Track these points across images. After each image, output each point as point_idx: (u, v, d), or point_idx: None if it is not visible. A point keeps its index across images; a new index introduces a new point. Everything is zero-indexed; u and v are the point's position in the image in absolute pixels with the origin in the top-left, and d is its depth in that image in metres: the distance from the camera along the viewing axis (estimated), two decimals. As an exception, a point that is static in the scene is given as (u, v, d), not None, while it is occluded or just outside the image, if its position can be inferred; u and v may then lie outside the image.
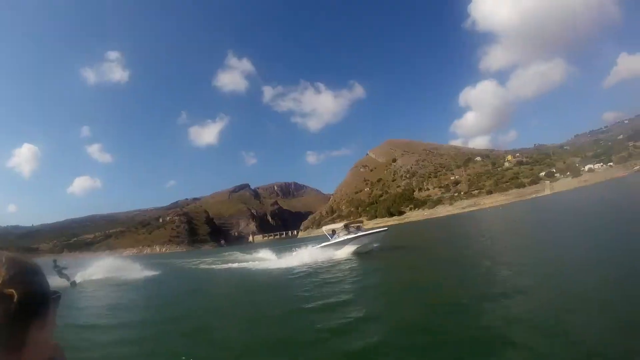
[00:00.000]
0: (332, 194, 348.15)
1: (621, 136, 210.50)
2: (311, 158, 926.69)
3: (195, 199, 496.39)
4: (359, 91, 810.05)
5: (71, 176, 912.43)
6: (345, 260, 27.05)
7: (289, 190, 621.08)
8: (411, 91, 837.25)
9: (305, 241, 41.47)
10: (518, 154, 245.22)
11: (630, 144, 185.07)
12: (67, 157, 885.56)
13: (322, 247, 31.52)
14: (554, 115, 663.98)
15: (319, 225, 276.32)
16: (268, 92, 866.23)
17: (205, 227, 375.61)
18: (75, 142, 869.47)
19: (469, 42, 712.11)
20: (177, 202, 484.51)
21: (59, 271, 28.48)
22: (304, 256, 30.31)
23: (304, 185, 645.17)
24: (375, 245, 30.71)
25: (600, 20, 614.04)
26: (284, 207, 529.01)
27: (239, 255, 46.12)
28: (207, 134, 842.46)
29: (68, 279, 28.41)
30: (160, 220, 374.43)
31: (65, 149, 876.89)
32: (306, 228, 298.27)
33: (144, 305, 16.90)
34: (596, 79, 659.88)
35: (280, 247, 40.23)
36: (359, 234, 30.75)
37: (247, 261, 36.24)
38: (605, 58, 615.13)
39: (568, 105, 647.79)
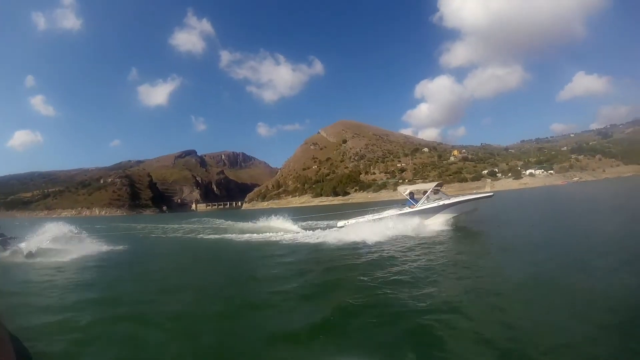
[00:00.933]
0: (280, 169, 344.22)
1: (565, 148, 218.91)
2: (262, 130, 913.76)
3: (139, 162, 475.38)
4: (318, 68, 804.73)
5: (12, 129, 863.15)
6: (439, 234, 19.50)
7: (236, 160, 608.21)
8: (370, 75, 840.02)
9: (275, 213, 30.69)
10: (464, 150, 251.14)
11: (573, 156, 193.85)
12: (8, 107, 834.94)
13: (400, 214, 22.96)
14: (504, 118, 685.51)
15: (264, 198, 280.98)
16: (225, 57, 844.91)
17: (147, 192, 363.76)
18: (18, 92, 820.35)
19: (434, 36, 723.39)
20: (120, 163, 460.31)
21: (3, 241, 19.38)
22: (364, 228, 20.87)
23: (252, 157, 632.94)
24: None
25: (565, 37, 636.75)
26: (230, 177, 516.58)
27: (241, 224, 33.94)
28: (157, 94, 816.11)
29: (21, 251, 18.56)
30: (102, 181, 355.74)
31: (7, 99, 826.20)
32: (251, 200, 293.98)
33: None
34: (551, 91, 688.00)
35: (289, 215, 29.85)
36: (460, 199, 23.07)
37: (264, 231, 25.83)
38: (562, 73, 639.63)
39: (519, 111, 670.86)
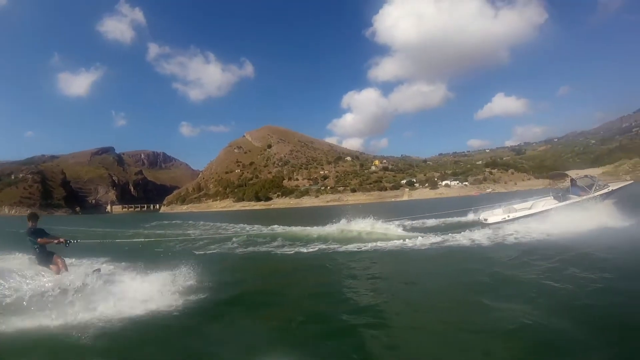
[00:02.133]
0: (202, 171, 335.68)
1: (480, 162, 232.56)
2: (186, 129, 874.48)
3: (53, 157, 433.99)
4: (248, 70, 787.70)
5: None
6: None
7: (156, 160, 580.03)
8: (299, 82, 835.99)
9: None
10: (385, 161, 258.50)
11: (487, 169, 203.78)
12: None
13: (569, 204, 20.92)
14: (425, 132, 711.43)
15: (183, 201, 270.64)
16: (154, 50, 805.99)
17: (60, 191, 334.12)
18: None
19: (365, 49, 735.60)
20: (33, 157, 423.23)
21: None
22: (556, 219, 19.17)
23: (173, 158, 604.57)
24: None
25: (489, 61, 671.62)
26: (149, 178, 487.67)
27: (307, 229, 24.99)
28: (79, 83, 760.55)
29: None
30: (12, 176, 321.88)
31: None
32: (170, 203, 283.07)
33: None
34: (471, 109, 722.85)
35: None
36: (621, 185, 22.56)
37: (352, 237, 21.18)
38: (483, 93, 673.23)
39: (440, 126, 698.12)
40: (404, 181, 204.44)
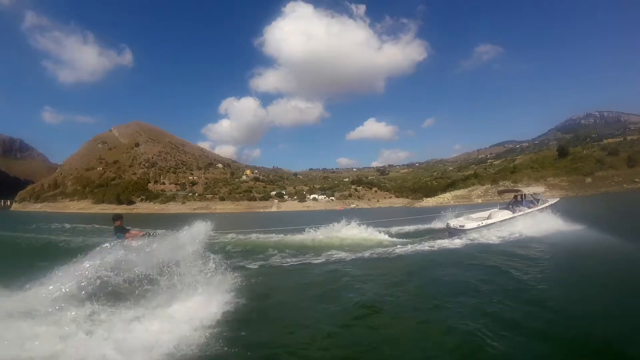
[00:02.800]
0: (60, 165, 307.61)
1: (347, 179, 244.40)
2: (48, 116, 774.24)
3: None
4: (127, 58, 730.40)
5: None
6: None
7: (12, 148, 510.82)
8: (178, 80, 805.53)
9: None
10: (257, 171, 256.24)
11: (353, 186, 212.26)
12: None
13: (530, 213, 25.07)
14: (298, 147, 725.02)
15: (37, 198, 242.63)
16: (31, 18, 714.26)
17: None
18: None
19: (251, 58, 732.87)
20: None
21: None
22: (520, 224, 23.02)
23: (31, 147, 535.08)
24: None
25: (366, 88, 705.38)
26: (2, 168, 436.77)
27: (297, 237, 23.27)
28: None
29: None
30: None
31: None
32: (22, 200, 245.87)
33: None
34: (343, 129, 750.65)
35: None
36: (552, 202, 27.87)
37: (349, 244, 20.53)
38: (356, 117, 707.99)
39: (313, 143, 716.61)
40: (273, 192, 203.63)
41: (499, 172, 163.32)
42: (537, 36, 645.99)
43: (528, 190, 28.41)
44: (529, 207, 25.68)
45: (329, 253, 17.23)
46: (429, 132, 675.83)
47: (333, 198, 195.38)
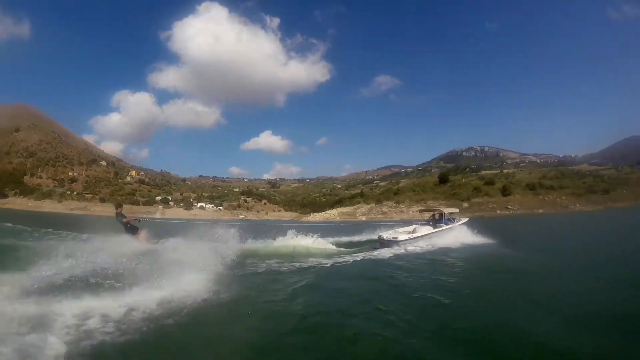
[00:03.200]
0: None
1: (237, 189, 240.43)
2: None
3: None
4: (25, 29, 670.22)
5: None
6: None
7: None
8: (72, 62, 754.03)
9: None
10: (143, 173, 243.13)
11: (243, 197, 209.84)
12: None
13: (450, 229, 29.39)
14: (190, 152, 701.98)
15: None
16: None
17: None
18: None
19: (155, 51, 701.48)
20: None
21: None
22: (447, 238, 27.09)
23: None
24: None
25: (266, 100, 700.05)
26: None
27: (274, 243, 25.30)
28: None
29: None
30: None
31: None
32: None
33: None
34: (238, 138, 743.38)
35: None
36: (462, 221, 31.87)
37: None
38: (253, 127, 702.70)
39: (206, 149, 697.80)
40: (159, 197, 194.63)
41: (384, 193, 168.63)
42: (430, 74, 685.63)
43: (446, 210, 32.94)
44: (447, 224, 29.65)
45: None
46: (322, 149, 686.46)
47: (221, 207, 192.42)
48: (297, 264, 16.90)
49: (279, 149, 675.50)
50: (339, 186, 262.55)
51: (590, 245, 29.02)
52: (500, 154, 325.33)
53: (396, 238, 25.62)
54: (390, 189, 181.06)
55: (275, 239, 24.84)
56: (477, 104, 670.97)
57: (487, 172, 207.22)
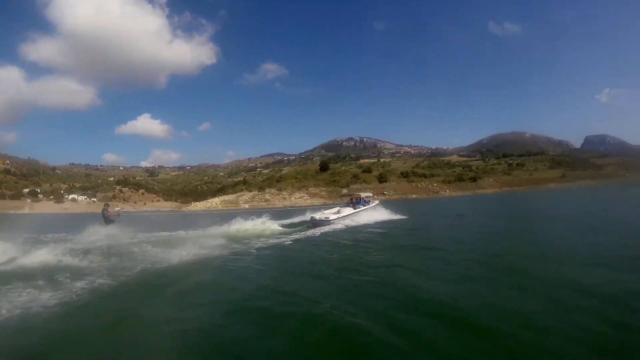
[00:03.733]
0: None
1: (112, 178, 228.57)
2: None
3: None
4: None
5: None
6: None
7: None
8: None
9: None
10: (8, 162, 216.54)
11: (118, 187, 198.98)
12: None
13: (369, 208, 36.90)
14: (61, 136, 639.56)
15: None
16: None
17: None
18: None
19: (27, 19, 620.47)
20: None
21: None
22: (364, 216, 33.75)
23: None
24: None
25: (146, 81, 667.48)
26: None
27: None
28: None
29: None
30: None
31: None
32: None
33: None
34: (114, 121, 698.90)
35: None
36: (374, 203, 39.31)
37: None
38: (131, 109, 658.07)
39: (79, 133, 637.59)
40: (26, 190, 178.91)
41: (266, 181, 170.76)
42: (316, 66, 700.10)
43: (363, 194, 40.43)
44: (364, 206, 36.52)
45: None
46: (204, 135, 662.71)
47: (95, 199, 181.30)
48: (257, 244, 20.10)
49: (159, 133, 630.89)
50: (221, 174, 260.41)
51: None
52: (378, 145, 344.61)
53: (328, 218, 30.71)
54: (273, 176, 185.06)
55: (228, 224, 28.51)
56: (357, 98, 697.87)
57: (366, 161, 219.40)
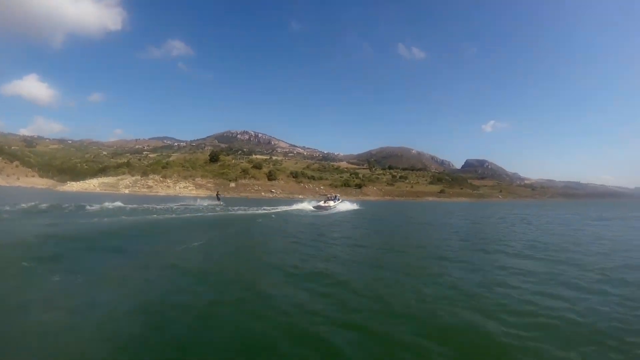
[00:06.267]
0: None
1: None
2: None
3: None
4: None
5: None
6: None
7: None
8: None
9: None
10: None
11: None
12: None
13: (341, 202, 56.21)
14: None
15: None
16: None
17: None
18: None
19: None
20: None
21: None
22: (342, 206, 53.13)
23: None
24: None
25: (42, 36, 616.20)
26: None
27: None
28: None
29: None
30: None
31: None
32: None
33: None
34: None
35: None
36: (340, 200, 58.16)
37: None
38: (18, 67, 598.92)
39: None
40: None
41: (151, 165, 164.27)
42: (222, 51, 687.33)
43: (336, 193, 65.29)
44: (338, 200, 55.71)
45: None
46: (93, 107, 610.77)
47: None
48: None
49: (44, 98, 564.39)
50: (105, 153, 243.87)
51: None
52: (272, 142, 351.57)
53: (329, 205, 48.85)
54: (160, 161, 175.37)
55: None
56: (259, 92, 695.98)
57: (258, 157, 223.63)
